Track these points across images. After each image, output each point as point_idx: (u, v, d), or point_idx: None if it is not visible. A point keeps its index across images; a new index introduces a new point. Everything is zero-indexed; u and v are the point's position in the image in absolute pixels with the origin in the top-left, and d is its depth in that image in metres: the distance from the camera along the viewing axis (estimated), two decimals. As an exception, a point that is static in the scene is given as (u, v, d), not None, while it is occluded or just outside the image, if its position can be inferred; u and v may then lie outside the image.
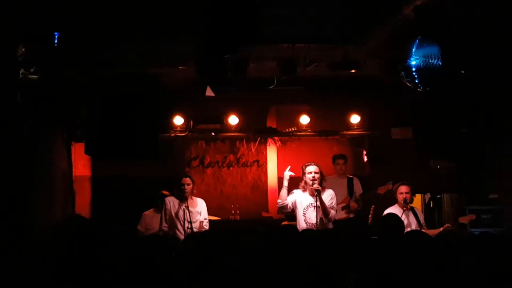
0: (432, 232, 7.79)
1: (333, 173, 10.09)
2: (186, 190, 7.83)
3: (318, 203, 7.66)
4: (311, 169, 7.83)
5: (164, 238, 5.92)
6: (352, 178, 10.08)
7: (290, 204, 7.86)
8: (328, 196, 7.86)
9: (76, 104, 8.28)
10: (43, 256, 3.78)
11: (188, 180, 7.92)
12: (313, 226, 7.63)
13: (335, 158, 10.19)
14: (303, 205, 7.83)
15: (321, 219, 7.66)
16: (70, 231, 3.81)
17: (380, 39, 8.04)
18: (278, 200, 7.98)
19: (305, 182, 7.85)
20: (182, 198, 7.85)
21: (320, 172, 7.85)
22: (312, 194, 7.82)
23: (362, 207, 9.80)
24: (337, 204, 9.74)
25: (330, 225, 7.88)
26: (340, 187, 9.92)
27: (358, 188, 10.00)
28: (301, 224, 7.77)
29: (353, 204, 9.78)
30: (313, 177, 7.76)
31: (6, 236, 5.53)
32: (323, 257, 4.60)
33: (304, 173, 7.87)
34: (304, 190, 7.89)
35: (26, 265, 3.90)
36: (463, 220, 8.88)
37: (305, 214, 7.80)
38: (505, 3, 6.91)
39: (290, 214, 8.40)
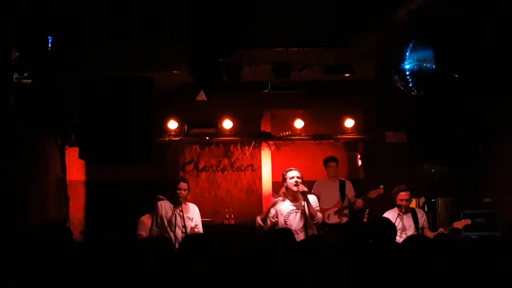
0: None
1: (325, 177, 10.12)
2: (181, 195, 7.78)
3: (306, 206, 7.56)
4: (293, 174, 7.66)
5: (158, 241, 5.88)
6: (344, 181, 10.07)
7: (272, 215, 7.75)
8: (313, 202, 7.76)
9: (70, 108, 8.26)
10: (34, 260, 3.77)
11: (185, 185, 7.84)
12: (295, 232, 7.47)
13: (326, 161, 10.20)
14: (283, 213, 7.66)
15: (305, 224, 7.53)
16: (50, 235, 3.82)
17: (374, 43, 8.05)
18: (259, 221, 7.82)
19: (287, 187, 7.71)
20: (177, 202, 7.79)
21: (301, 178, 7.70)
22: (293, 200, 7.72)
23: (360, 208, 9.72)
24: (330, 209, 9.75)
25: (314, 230, 7.75)
26: (332, 190, 9.91)
27: (350, 191, 9.98)
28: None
29: (360, 202, 9.67)
30: (296, 182, 7.60)
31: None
32: (322, 262, 4.60)
33: (285, 179, 7.71)
34: (285, 198, 7.73)
35: (17, 269, 3.89)
36: (458, 225, 8.85)
37: (286, 221, 7.61)
38: (497, 6, 6.93)
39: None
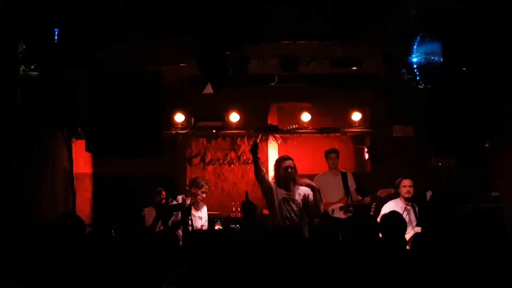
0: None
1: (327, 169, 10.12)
2: (201, 197, 7.99)
3: (309, 198, 7.72)
4: (288, 163, 7.83)
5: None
6: (345, 173, 10.05)
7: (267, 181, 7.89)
8: (307, 192, 7.85)
9: (77, 101, 8.26)
10: (43, 252, 3.78)
11: (207, 189, 8.10)
12: (287, 221, 7.65)
13: (327, 153, 10.19)
14: (279, 198, 7.81)
15: (299, 213, 7.71)
16: (62, 228, 3.82)
17: (381, 36, 8.03)
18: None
19: (281, 174, 7.86)
20: (194, 202, 7.97)
21: (295, 166, 7.85)
22: (286, 189, 7.81)
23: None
24: (334, 203, 9.73)
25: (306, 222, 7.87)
26: (335, 184, 9.89)
27: (352, 184, 9.99)
28: (276, 218, 7.74)
29: (367, 199, 9.64)
30: (289, 170, 7.78)
31: (5, 233, 5.53)
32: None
33: (279, 167, 7.87)
34: (279, 186, 7.87)
35: (26, 262, 3.90)
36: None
37: (279, 207, 7.77)
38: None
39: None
